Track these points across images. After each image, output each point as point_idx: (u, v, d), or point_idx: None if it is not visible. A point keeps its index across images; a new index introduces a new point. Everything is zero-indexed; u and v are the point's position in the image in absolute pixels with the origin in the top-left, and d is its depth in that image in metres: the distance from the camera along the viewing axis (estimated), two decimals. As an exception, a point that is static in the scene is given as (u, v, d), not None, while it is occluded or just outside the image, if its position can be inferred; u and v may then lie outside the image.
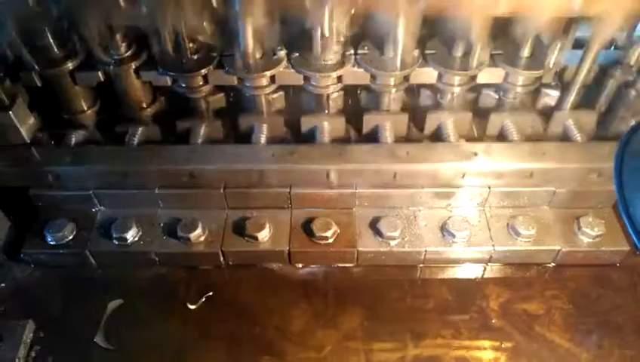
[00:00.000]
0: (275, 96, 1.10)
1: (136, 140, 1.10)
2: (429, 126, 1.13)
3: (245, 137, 1.11)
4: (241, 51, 0.98)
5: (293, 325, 1.01)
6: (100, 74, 1.03)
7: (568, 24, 1.06)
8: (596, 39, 0.97)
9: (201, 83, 1.04)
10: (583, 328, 1.00)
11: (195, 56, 1.02)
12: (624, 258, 1.07)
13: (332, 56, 1.01)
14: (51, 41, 0.98)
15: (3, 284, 1.08)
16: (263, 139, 1.09)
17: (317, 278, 1.08)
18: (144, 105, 1.11)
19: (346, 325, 1.01)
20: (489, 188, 1.06)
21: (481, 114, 1.14)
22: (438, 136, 1.12)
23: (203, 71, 1.01)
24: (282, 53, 1.02)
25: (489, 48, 1.01)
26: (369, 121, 1.11)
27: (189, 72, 1.01)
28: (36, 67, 0.99)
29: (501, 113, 1.11)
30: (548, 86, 1.10)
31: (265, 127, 1.11)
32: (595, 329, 1.00)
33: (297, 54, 1.02)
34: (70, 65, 1.00)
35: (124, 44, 1.00)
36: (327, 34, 0.94)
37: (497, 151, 1.04)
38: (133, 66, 1.02)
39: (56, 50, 0.99)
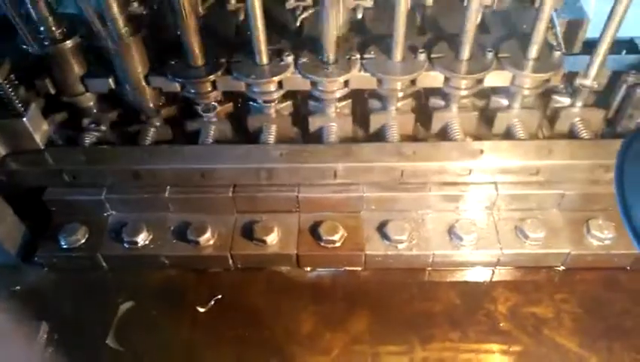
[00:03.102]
0: (282, 105, 1.11)
1: (148, 140, 1.12)
2: (436, 126, 1.13)
3: (254, 137, 1.12)
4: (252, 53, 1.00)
5: (301, 328, 1.02)
6: (110, 81, 1.05)
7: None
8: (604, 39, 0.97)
9: (209, 89, 1.06)
10: (593, 332, 0.99)
11: (203, 62, 1.03)
12: (634, 261, 1.06)
13: (338, 61, 1.02)
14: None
15: (18, 287, 1.10)
16: (271, 140, 1.10)
17: (325, 281, 1.09)
18: (155, 108, 1.13)
19: (354, 328, 1.01)
20: (497, 191, 1.06)
21: (488, 114, 1.14)
22: (444, 136, 1.12)
23: (211, 77, 1.03)
24: (289, 58, 1.03)
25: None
26: (376, 121, 1.12)
27: (198, 79, 1.03)
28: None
29: (508, 112, 1.11)
30: (558, 93, 1.11)
31: (273, 127, 1.12)
32: (605, 333, 0.99)
33: (304, 59, 1.03)
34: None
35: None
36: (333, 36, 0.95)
37: (503, 149, 1.04)
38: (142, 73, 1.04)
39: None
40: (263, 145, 1.09)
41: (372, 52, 1.04)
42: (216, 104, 1.10)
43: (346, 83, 1.04)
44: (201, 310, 1.05)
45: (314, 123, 1.12)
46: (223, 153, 1.06)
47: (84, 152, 1.08)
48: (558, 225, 1.07)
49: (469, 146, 1.05)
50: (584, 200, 1.07)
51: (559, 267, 1.08)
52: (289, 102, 1.12)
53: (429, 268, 1.09)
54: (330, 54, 1.01)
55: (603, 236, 1.04)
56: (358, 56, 1.03)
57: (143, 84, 1.06)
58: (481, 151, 1.03)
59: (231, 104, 1.13)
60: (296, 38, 1.08)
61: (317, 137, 1.12)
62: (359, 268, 1.09)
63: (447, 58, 1.02)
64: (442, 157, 1.03)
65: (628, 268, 1.07)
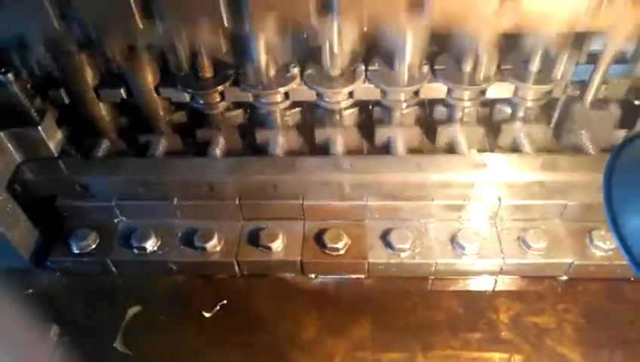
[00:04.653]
0: (290, 113, 1.13)
1: (158, 150, 1.15)
2: (441, 139, 1.15)
3: (262, 148, 1.15)
4: (255, 68, 1.02)
5: (304, 334, 1.04)
6: (122, 91, 1.09)
7: (580, 38, 1.08)
8: (607, 53, 0.98)
9: (218, 99, 1.09)
10: (595, 342, 1.00)
11: (212, 74, 1.06)
12: (638, 272, 1.06)
13: (343, 73, 1.04)
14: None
15: (30, 290, 1.13)
16: (277, 152, 1.12)
17: (328, 288, 1.10)
18: (165, 118, 1.16)
19: (356, 335, 1.03)
20: (500, 200, 1.07)
21: (493, 127, 1.15)
22: (450, 149, 1.13)
23: (219, 88, 1.06)
24: (295, 70, 1.05)
25: (496, 62, 1.02)
26: (381, 134, 1.14)
27: (206, 90, 1.06)
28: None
29: (513, 125, 1.12)
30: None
31: (280, 139, 1.14)
32: (607, 343, 0.99)
33: (310, 71, 1.06)
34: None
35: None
36: (336, 50, 0.98)
37: (508, 162, 1.05)
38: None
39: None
40: (268, 157, 1.11)
41: (376, 63, 1.06)
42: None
43: (351, 94, 1.07)
44: (207, 315, 1.07)
45: (320, 134, 1.14)
46: (230, 166, 1.08)
47: (96, 163, 1.11)
48: (560, 236, 1.08)
49: (473, 159, 1.06)
50: (587, 211, 1.07)
51: (562, 277, 1.08)
52: (295, 113, 1.14)
53: (432, 277, 1.10)
54: (336, 66, 1.03)
55: (606, 246, 1.04)
56: (363, 67, 1.05)
57: (154, 94, 1.09)
58: (485, 165, 1.04)
59: (240, 114, 1.16)
60: (302, 49, 1.11)
61: (323, 147, 1.14)
62: (362, 276, 1.10)
63: (449, 69, 1.04)
64: (446, 169, 1.05)
65: (631, 278, 1.07)
